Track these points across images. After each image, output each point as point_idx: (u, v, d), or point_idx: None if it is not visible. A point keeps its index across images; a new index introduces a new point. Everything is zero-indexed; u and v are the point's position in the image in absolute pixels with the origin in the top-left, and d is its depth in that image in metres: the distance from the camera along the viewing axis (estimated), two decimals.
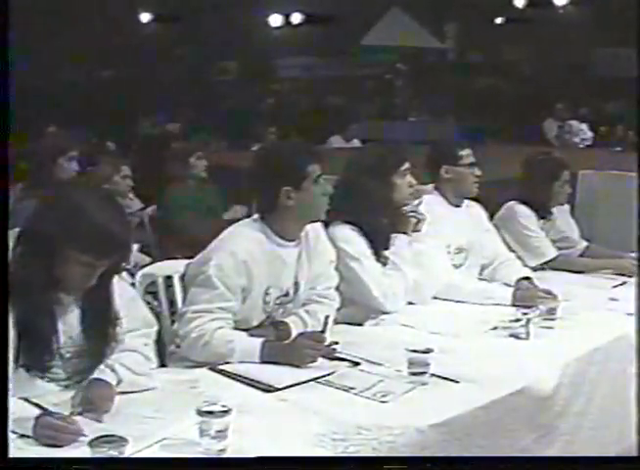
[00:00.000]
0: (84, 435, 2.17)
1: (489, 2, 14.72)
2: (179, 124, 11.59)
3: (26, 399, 2.33)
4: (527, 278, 3.81)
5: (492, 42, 15.72)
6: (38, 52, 11.80)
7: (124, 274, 2.75)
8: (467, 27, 15.59)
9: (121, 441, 2.09)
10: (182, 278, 3.20)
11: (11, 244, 2.41)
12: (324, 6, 14.44)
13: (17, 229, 2.48)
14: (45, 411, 2.25)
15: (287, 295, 3.12)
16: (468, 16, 14.86)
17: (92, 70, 14.37)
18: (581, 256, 4.51)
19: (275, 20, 15.54)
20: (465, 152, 4.00)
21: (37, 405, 2.30)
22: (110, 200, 2.59)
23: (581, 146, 10.04)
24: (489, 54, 15.96)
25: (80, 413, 2.33)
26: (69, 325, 2.54)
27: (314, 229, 3.18)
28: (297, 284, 3.14)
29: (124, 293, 2.69)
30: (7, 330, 2.28)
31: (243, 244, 3.00)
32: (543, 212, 4.45)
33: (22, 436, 2.20)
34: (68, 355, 2.54)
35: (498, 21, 15.59)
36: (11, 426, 2.19)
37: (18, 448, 2.15)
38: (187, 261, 3.18)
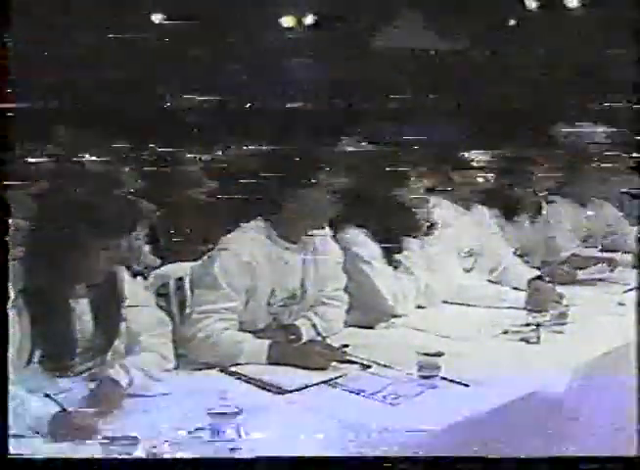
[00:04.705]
0: (98, 433, 2.19)
1: (501, 4, 14.70)
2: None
3: (47, 396, 2.35)
4: (539, 277, 3.82)
5: (503, 44, 15.70)
6: (43, 52, 11.81)
7: (138, 278, 2.79)
8: (478, 30, 15.57)
9: (132, 440, 2.10)
10: (192, 280, 3.22)
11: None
12: (336, 7, 14.43)
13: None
14: (63, 409, 2.27)
15: (293, 297, 3.14)
16: (479, 18, 14.84)
17: (101, 71, 14.39)
18: (564, 262, 4.38)
19: (287, 21, 15.53)
20: (476, 155, 4.01)
21: (56, 402, 2.32)
22: (106, 184, 2.68)
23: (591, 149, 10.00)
24: (500, 56, 15.94)
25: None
26: (81, 320, 2.57)
27: (319, 231, 3.19)
28: (303, 286, 3.15)
29: (137, 293, 2.73)
30: (7, 329, 2.30)
31: (246, 245, 3.02)
32: (511, 213, 4.39)
33: (36, 433, 2.23)
34: (79, 350, 2.57)
35: (510, 23, 15.56)
36: (27, 423, 2.22)
37: (26, 446, 2.17)
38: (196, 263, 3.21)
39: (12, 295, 2.39)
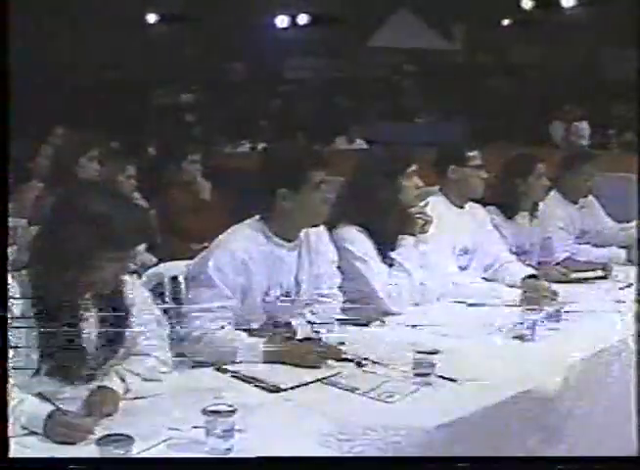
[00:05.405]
0: (94, 433, 2.18)
1: (496, 3, 14.71)
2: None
3: (40, 396, 2.34)
4: (534, 276, 3.82)
5: (499, 44, 15.71)
6: (42, 52, 11.79)
7: (134, 277, 2.77)
8: (474, 29, 15.58)
9: (128, 440, 2.10)
10: (187, 278, 3.22)
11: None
12: (331, 7, 14.44)
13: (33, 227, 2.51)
14: (58, 409, 2.26)
15: (288, 295, 3.14)
16: (475, 17, 14.85)
17: (97, 71, 14.39)
18: (557, 264, 4.35)
19: (281, 21, 15.53)
20: (472, 153, 4.01)
21: (50, 402, 2.31)
22: (122, 195, 2.66)
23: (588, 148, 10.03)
24: (496, 55, 15.95)
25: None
26: (88, 324, 2.55)
27: (315, 229, 3.19)
28: (298, 284, 3.15)
29: (138, 294, 2.70)
30: (6, 328, 2.29)
31: (241, 243, 3.03)
32: (510, 212, 4.38)
33: (33, 433, 2.22)
34: (85, 359, 2.54)
35: (505, 22, 15.57)
36: (22, 423, 2.21)
37: (24, 446, 2.17)
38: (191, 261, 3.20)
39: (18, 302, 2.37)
